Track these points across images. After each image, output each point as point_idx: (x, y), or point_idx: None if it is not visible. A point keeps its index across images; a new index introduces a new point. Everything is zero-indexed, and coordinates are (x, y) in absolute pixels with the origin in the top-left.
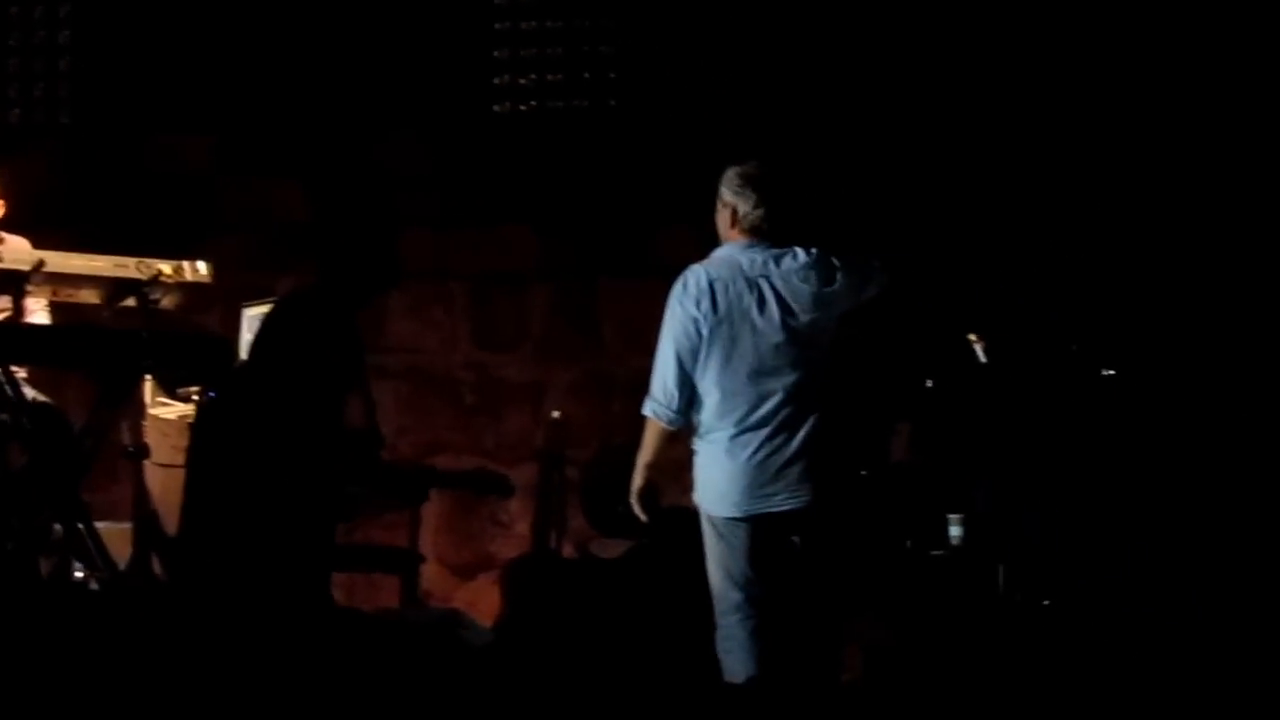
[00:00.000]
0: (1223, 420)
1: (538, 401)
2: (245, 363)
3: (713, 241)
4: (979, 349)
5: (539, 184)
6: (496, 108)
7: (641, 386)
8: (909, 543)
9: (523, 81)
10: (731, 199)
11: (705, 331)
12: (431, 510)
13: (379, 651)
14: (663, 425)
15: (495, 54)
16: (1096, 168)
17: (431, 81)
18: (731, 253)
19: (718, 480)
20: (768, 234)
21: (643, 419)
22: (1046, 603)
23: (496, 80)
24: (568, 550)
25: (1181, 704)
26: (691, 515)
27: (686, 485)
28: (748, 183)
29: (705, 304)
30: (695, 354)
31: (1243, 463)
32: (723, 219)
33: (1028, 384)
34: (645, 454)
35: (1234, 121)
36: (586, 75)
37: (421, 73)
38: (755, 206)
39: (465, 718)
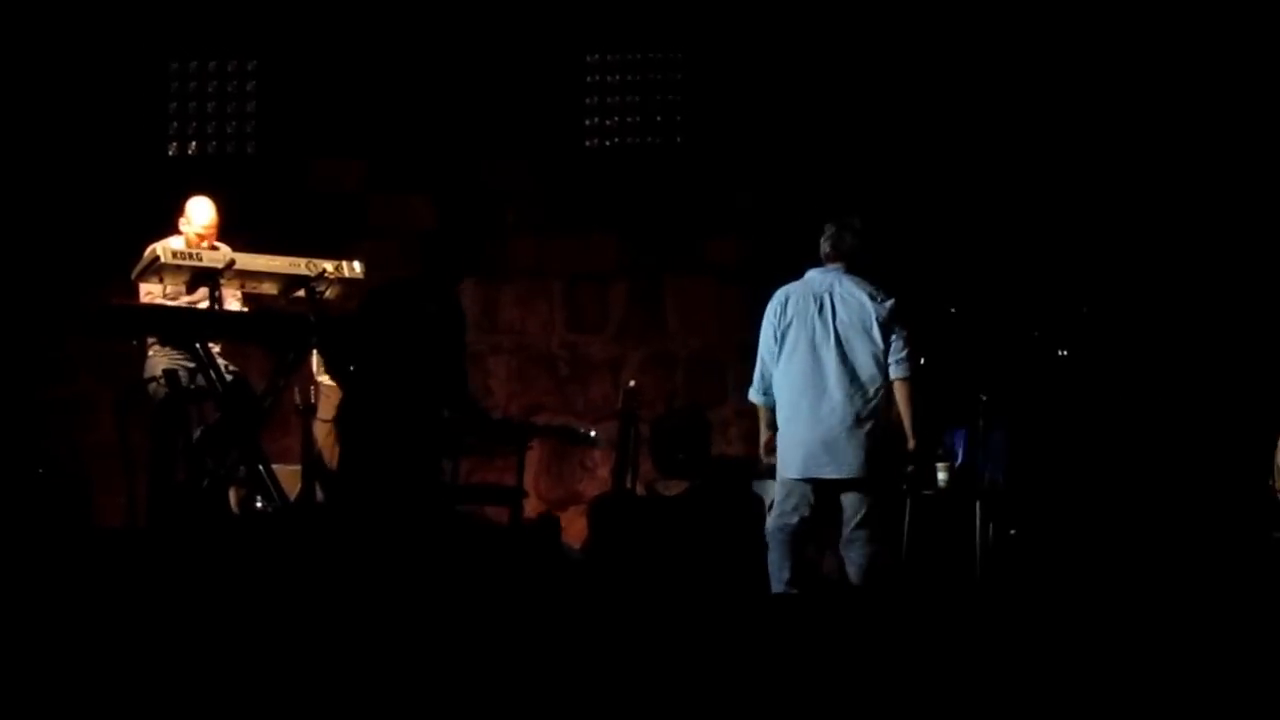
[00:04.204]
0: (1158, 390)
1: (617, 373)
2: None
3: (755, 250)
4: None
5: (620, 203)
6: (588, 143)
7: (697, 363)
8: (905, 486)
9: (608, 122)
10: (821, 240)
11: (779, 334)
12: (532, 456)
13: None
14: (757, 403)
15: (587, 100)
16: (1059, 191)
17: (537, 121)
18: (812, 274)
19: (783, 449)
20: (836, 262)
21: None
22: (1013, 532)
23: (587, 121)
24: (639, 489)
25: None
26: (736, 462)
27: (730, 439)
28: (826, 228)
29: (778, 313)
30: (773, 353)
31: (1174, 425)
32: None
33: (1000, 362)
34: (761, 424)
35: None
36: (659, 118)
37: (529, 114)
38: (824, 242)
39: (563, 618)
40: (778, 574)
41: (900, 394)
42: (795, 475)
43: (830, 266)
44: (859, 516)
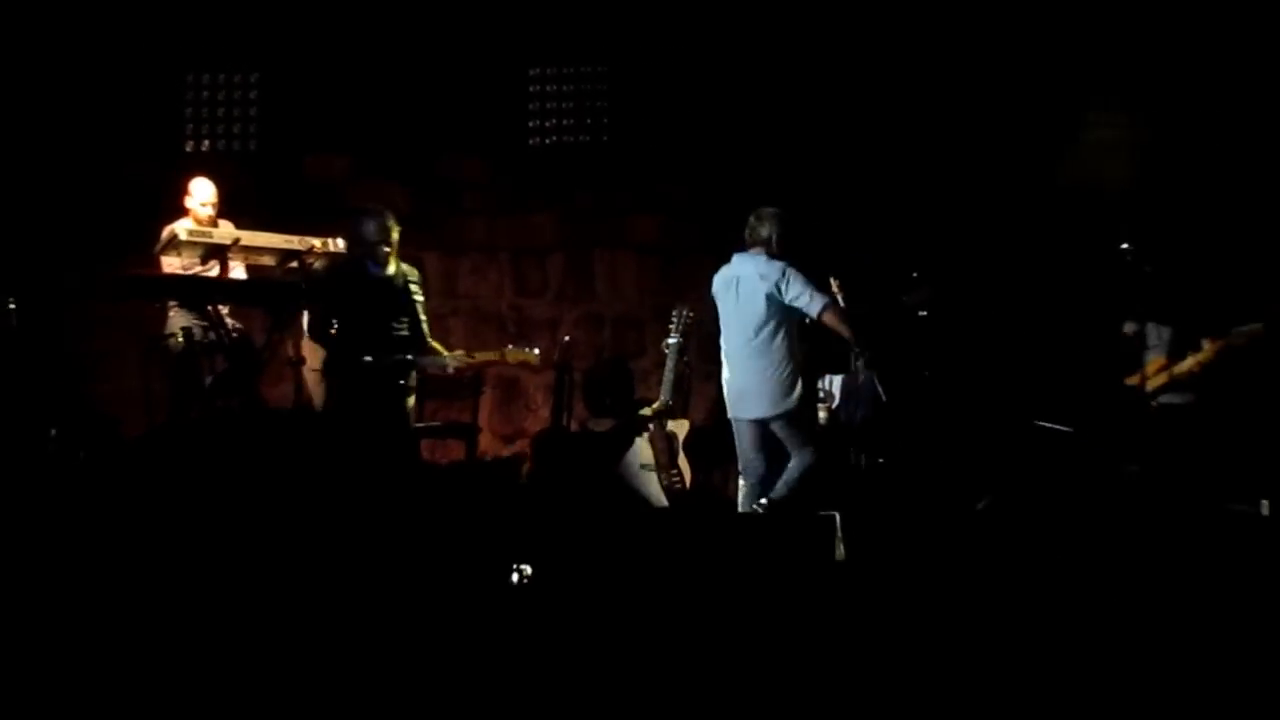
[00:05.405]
0: (998, 344)
1: (555, 330)
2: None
3: (670, 229)
4: (839, 296)
5: (557, 190)
6: (531, 141)
7: (622, 322)
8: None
9: (548, 124)
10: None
11: (714, 302)
12: (486, 399)
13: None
14: None
15: (530, 106)
16: (920, 185)
17: (488, 123)
18: (737, 257)
19: (725, 394)
20: (753, 248)
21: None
22: (881, 461)
23: (531, 123)
24: (574, 426)
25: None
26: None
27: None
28: (749, 219)
29: (713, 287)
30: (715, 315)
31: (1010, 372)
32: None
33: (868, 320)
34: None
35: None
36: (589, 120)
37: (482, 117)
38: (746, 232)
39: (512, 532)
40: (742, 496)
41: (830, 323)
42: (729, 414)
43: (750, 251)
44: (785, 440)
